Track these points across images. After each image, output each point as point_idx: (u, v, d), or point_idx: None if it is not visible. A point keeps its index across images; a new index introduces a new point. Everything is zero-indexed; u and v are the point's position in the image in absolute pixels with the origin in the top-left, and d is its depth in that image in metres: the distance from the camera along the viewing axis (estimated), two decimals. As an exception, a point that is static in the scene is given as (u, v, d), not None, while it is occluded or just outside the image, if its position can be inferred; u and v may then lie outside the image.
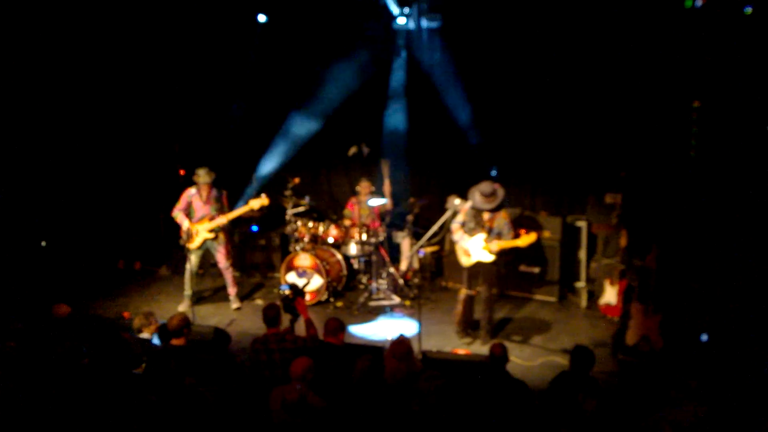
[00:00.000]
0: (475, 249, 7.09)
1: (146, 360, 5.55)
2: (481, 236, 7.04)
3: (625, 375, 6.52)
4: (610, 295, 7.74)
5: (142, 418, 4.67)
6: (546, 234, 8.36)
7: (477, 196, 6.99)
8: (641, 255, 7.25)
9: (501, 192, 6.99)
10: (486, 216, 7.03)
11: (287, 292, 6.07)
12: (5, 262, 9.01)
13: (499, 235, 7.02)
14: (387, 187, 8.93)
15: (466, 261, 7.22)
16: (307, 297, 8.20)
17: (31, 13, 8.92)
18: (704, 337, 6.74)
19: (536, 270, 8.51)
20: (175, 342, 5.64)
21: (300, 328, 5.94)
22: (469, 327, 7.49)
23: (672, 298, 7.04)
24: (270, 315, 5.71)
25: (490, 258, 7.06)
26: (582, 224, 8.47)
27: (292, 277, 8.55)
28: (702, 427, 5.09)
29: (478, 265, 7.16)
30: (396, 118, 9.59)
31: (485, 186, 6.97)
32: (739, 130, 7.45)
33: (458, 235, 7.18)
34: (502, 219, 7.04)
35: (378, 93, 9.51)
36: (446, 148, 9.35)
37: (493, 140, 8.92)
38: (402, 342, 5.16)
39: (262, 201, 8.19)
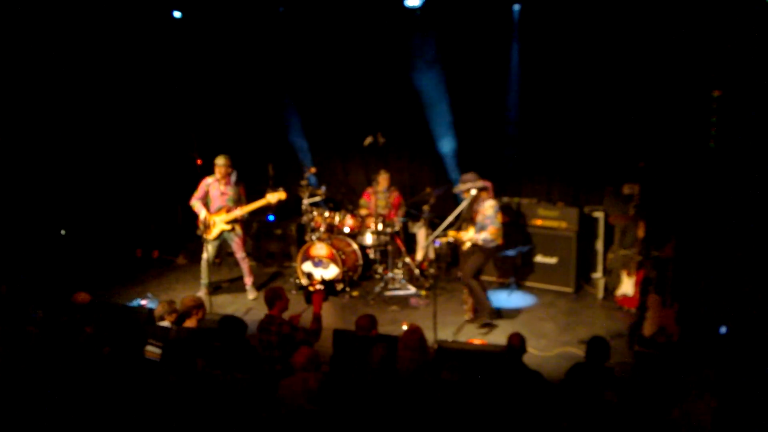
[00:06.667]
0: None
1: (162, 345, 5.62)
2: (471, 230, 7.35)
3: (641, 366, 6.49)
4: (627, 286, 7.71)
5: (159, 405, 4.73)
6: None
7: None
8: (659, 246, 7.21)
9: (474, 181, 7.22)
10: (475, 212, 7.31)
11: (306, 281, 6.14)
12: (26, 251, 9.13)
13: (482, 229, 7.23)
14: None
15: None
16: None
17: (57, 7, 9.03)
18: (723, 330, 6.69)
19: (553, 261, 8.49)
20: (187, 323, 5.75)
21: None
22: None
23: (689, 289, 7.00)
24: (267, 297, 5.86)
25: (466, 246, 7.38)
26: (599, 215, 8.44)
27: (308, 267, 8.59)
28: (719, 419, 5.06)
29: (465, 253, 7.57)
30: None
31: (466, 177, 7.32)
32: (759, 120, 7.35)
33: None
34: (482, 215, 7.25)
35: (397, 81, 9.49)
36: (463, 139, 9.31)
37: (512, 131, 8.90)
38: (414, 332, 5.17)
39: (280, 195, 8.20)
